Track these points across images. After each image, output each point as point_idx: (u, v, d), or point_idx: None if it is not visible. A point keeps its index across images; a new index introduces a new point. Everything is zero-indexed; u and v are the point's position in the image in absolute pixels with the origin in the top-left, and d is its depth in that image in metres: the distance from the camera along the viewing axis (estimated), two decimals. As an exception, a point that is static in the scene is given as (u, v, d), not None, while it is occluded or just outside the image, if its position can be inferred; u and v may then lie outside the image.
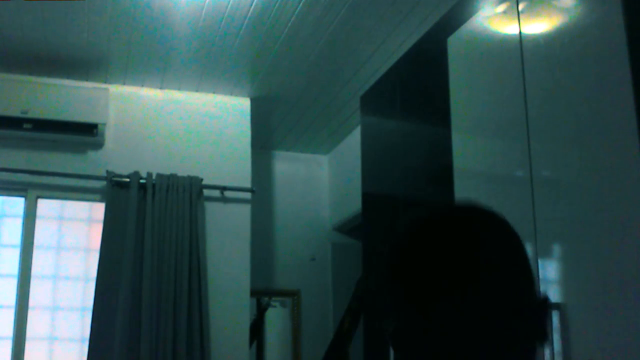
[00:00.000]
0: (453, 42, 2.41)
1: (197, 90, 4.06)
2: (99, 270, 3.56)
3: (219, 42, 3.47)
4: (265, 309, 4.71)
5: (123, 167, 3.78)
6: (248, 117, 4.13)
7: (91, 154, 3.83)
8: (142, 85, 3.97)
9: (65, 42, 3.46)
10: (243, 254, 3.91)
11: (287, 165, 4.96)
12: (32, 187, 3.71)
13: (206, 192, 3.90)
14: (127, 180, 3.72)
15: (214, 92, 4.08)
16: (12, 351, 3.51)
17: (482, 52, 2.26)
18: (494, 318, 0.77)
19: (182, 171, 3.84)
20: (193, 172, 3.86)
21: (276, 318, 4.75)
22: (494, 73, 2.18)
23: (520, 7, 2.05)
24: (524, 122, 1.97)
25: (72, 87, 3.76)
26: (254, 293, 4.12)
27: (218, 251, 3.84)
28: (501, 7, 2.15)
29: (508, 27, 2.12)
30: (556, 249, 1.86)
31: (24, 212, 3.71)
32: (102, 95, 3.77)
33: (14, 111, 3.61)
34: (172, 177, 3.79)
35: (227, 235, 3.90)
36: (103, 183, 3.74)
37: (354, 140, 4.26)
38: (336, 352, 4.41)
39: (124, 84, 3.94)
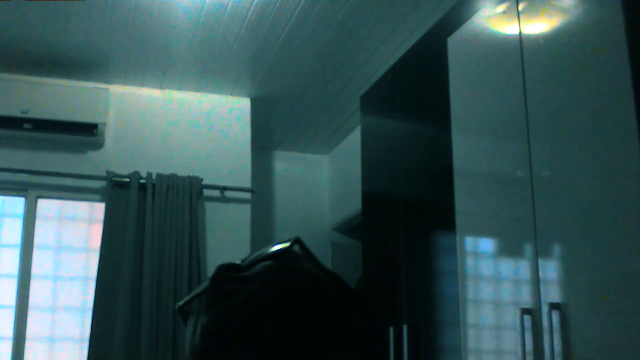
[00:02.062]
0: (453, 42, 2.41)
1: (197, 90, 4.06)
2: (99, 270, 3.56)
3: (219, 42, 3.47)
4: None
5: (123, 167, 3.78)
6: (248, 117, 4.13)
7: (91, 154, 3.83)
8: (142, 85, 3.97)
9: (65, 42, 3.46)
10: (243, 254, 3.89)
11: (287, 165, 4.95)
12: (32, 187, 3.71)
13: (206, 192, 3.90)
14: (127, 180, 3.72)
15: (214, 92, 4.08)
16: (12, 351, 3.51)
17: (482, 52, 2.26)
18: None
19: (182, 171, 3.84)
20: (193, 172, 3.86)
21: (276, 318, 4.74)
22: (494, 73, 2.18)
23: (520, 7, 2.05)
24: (524, 122, 1.97)
25: (72, 87, 3.76)
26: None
27: (218, 251, 3.84)
28: (501, 7, 2.15)
29: (508, 27, 2.12)
30: (556, 249, 1.87)
31: (24, 212, 3.70)
32: (102, 95, 3.77)
33: (14, 111, 3.61)
34: (172, 177, 3.79)
35: (227, 235, 3.90)
36: (103, 183, 3.74)
37: (354, 140, 4.26)
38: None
39: (124, 84, 3.94)
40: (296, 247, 0.75)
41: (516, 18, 2.06)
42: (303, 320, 0.70)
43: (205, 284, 0.75)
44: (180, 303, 0.77)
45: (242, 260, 0.75)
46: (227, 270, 0.73)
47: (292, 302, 0.70)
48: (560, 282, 1.83)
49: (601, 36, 1.75)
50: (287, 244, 0.75)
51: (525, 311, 1.87)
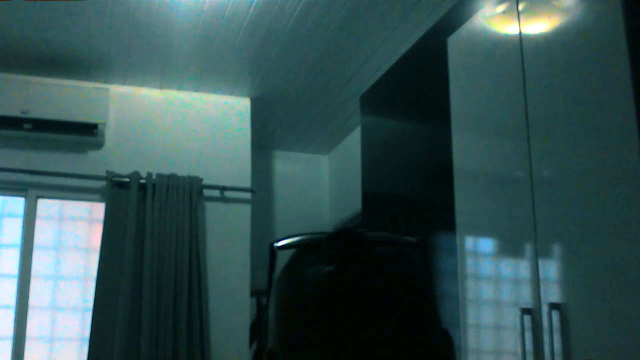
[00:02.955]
0: (453, 42, 2.41)
1: (197, 90, 4.06)
2: (99, 270, 3.56)
3: (219, 42, 3.47)
4: (265, 309, 4.71)
5: (123, 167, 3.78)
6: (248, 117, 4.13)
7: (91, 154, 3.83)
8: (142, 85, 3.97)
9: (65, 42, 3.46)
10: (243, 254, 3.91)
11: (287, 165, 4.96)
12: (32, 187, 3.72)
13: (206, 192, 3.90)
14: (127, 180, 3.72)
15: (214, 92, 4.08)
16: (12, 351, 3.51)
17: (482, 52, 2.26)
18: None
19: (182, 171, 3.85)
20: (193, 172, 3.86)
21: (276, 318, 4.74)
22: (494, 73, 2.18)
23: (520, 7, 2.05)
24: (524, 122, 1.97)
25: (72, 87, 3.76)
26: (254, 293, 4.12)
27: (218, 251, 3.84)
28: (501, 7, 2.15)
29: (508, 27, 2.12)
30: (556, 249, 1.86)
31: (24, 212, 3.71)
32: (102, 95, 3.77)
33: (14, 111, 3.61)
34: (172, 177, 3.79)
35: (227, 235, 3.90)
36: (103, 183, 3.74)
37: (354, 140, 4.26)
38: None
39: (124, 84, 3.94)
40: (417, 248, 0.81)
41: (516, 18, 2.06)
42: (409, 315, 0.74)
43: (312, 236, 0.79)
44: (280, 244, 0.81)
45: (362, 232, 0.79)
46: (351, 235, 0.77)
47: (405, 294, 0.75)
48: (560, 282, 1.83)
49: (601, 36, 1.75)
50: (413, 240, 0.80)
51: (525, 311, 1.87)
